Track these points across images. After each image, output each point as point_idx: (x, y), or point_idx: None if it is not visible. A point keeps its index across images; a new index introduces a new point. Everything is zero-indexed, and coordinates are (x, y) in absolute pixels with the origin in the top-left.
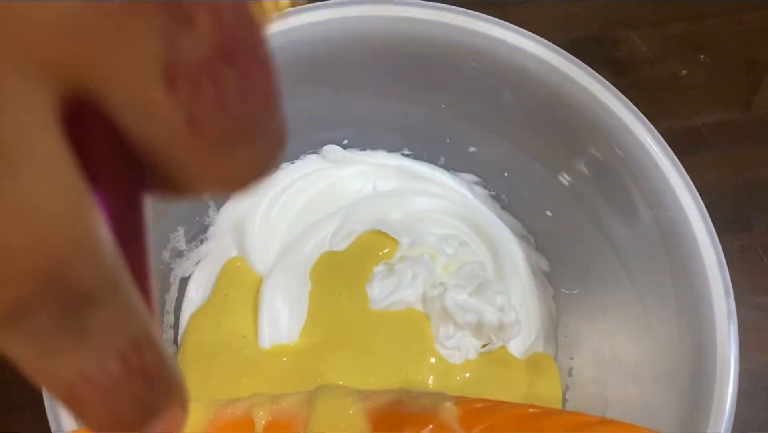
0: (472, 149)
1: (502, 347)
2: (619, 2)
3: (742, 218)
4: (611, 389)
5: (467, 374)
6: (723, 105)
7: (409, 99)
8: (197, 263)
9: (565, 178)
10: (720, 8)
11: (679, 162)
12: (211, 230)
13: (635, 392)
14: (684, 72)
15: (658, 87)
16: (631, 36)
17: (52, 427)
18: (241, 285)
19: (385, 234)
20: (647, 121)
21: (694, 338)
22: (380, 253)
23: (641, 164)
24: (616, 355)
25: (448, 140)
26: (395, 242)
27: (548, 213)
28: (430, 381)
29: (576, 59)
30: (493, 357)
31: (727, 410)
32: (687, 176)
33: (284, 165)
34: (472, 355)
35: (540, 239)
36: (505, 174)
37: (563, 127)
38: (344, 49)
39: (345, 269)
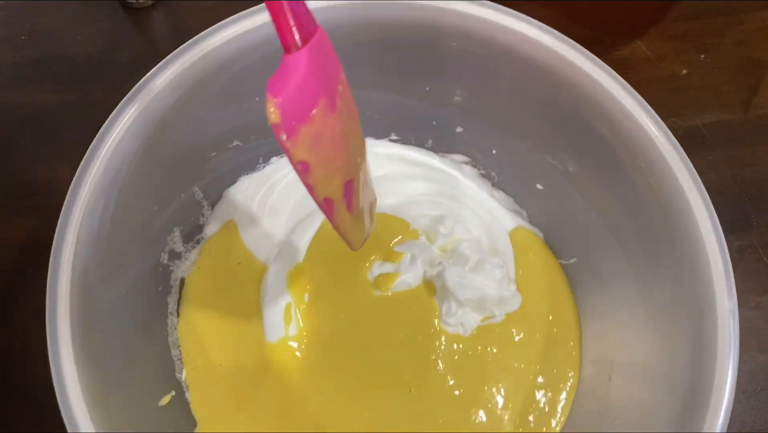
0: (459, 129)
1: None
2: (619, 2)
3: (742, 218)
4: (610, 388)
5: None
6: (723, 105)
7: (393, 84)
8: (194, 263)
9: (554, 158)
10: (720, 8)
11: (681, 148)
12: (207, 230)
13: (634, 391)
14: (684, 72)
15: (658, 87)
16: (631, 36)
17: (69, 428)
18: (245, 274)
19: (388, 216)
20: (645, 104)
21: (695, 337)
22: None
23: (643, 150)
24: (617, 354)
25: (434, 123)
26: (401, 224)
27: (539, 186)
28: (441, 351)
29: (564, 36)
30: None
31: (723, 409)
32: (688, 159)
33: (273, 159)
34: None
35: (532, 212)
36: (494, 151)
37: (551, 104)
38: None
39: (345, 257)
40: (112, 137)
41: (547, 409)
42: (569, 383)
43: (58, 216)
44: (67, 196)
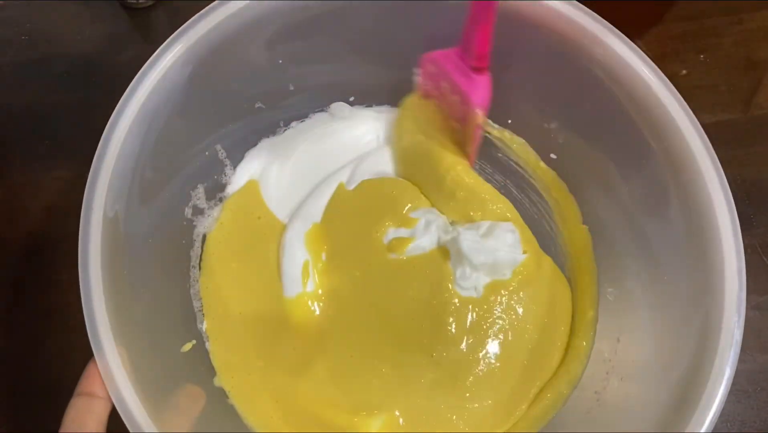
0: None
1: None
2: (620, 2)
3: (742, 218)
4: (608, 385)
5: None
6: (723, 105)
7: (412, 50)
8: (216, 220)
9: (570, 129)
10: (720, 8)
11: (707, 139)
12: (229, 188)
13: (632, 389)
14: (684, 72)
15: None
16: (631, 36)
17: (130, 427)
18: (263, 231)
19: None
20: (671, 86)
21: (699, 334)
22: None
23: (670, 138)
24: (617, 352)
25: None
26: (414, 192)
27: (552, 156)
28: (457, 314)
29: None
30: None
31: (714, 407)
32: (713, 152)
33: (294, 124)
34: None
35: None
36: (509, 121)
37: (568, 74)
38: (346, 8)
39: (360, 220)
40: (141, 91)
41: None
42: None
43: (59, 216)
44: (99, 145)
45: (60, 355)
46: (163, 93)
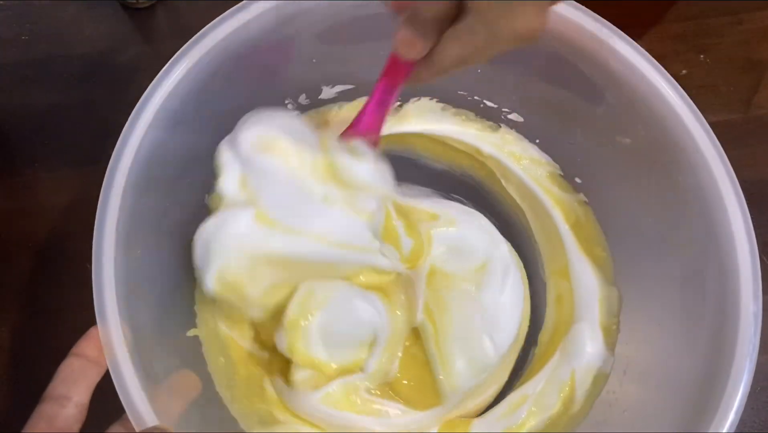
0: (513, 116)
1: None
2: (619, 2)
3: None
4: (619, 389)
5: None
6: (723, 105)
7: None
8: None
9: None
10: (720, 8)
11: (719, 144)
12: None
13: (639, 391)
14: (684, 72)
15: None
16: (630, 36)
17: (135, 427)
18: None
19: None
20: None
21: (715, 331)
22: None
23: (683, 147)
24: (627, 355)
25: (482, 106)
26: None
27: (578, 180)
28: None
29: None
30: None
31: (734, 411)
32: (725, 155)
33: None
34: None
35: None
36: (537, 141)
37: (585, 90)
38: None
39: None
40: (170, 79)
41: None
42: None
43: (60, 216)
44: (126, 126)
45: (65, 355)
46: (192, 82)
